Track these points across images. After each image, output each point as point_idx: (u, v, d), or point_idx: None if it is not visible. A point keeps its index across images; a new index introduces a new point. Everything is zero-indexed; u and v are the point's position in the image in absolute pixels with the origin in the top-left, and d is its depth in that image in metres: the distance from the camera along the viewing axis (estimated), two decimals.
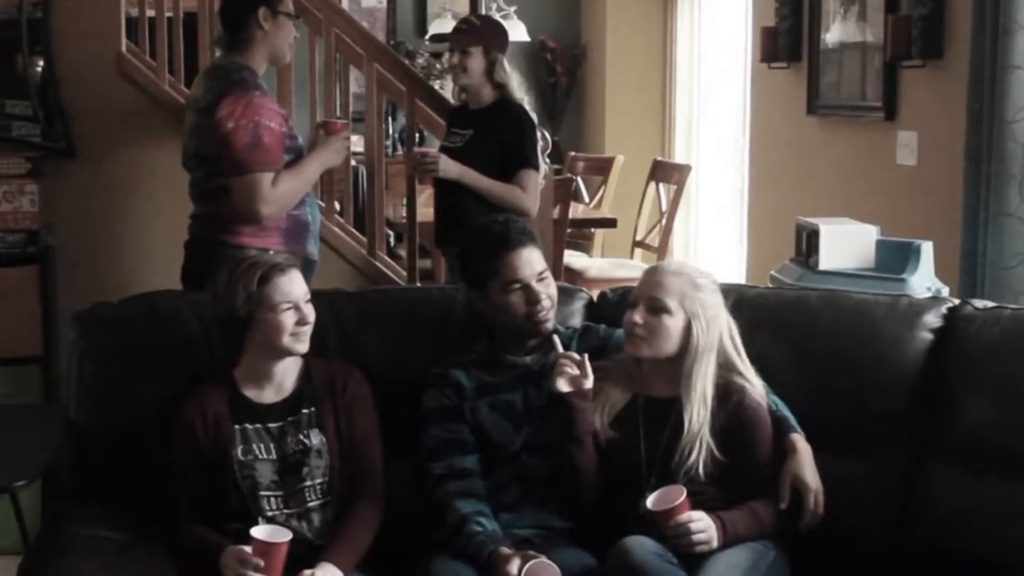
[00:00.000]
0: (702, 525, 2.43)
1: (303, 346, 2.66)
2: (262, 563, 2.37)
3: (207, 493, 2.60)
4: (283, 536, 2.41)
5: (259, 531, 2.42)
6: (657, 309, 2.56)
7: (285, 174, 3.48)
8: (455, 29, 4.20)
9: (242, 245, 3.42)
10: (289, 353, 2.65)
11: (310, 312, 2.66)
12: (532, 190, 4.02)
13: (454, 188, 4.05)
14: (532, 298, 2.73)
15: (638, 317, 2.58)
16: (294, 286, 2.65)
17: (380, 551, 2.64)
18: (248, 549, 2.40)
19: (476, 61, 4.07)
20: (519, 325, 2.75)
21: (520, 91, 4.16)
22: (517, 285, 2.73)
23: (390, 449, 2.71)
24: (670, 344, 2.57)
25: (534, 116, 4.13)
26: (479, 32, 4.10)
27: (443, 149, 4.22)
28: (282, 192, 3.47)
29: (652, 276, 2.62)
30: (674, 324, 2.56)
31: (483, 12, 6.59)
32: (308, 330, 2.66)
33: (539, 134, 4.14)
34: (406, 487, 2.71)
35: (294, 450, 2.62)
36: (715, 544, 2.44)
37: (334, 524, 2.62)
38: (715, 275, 2.70)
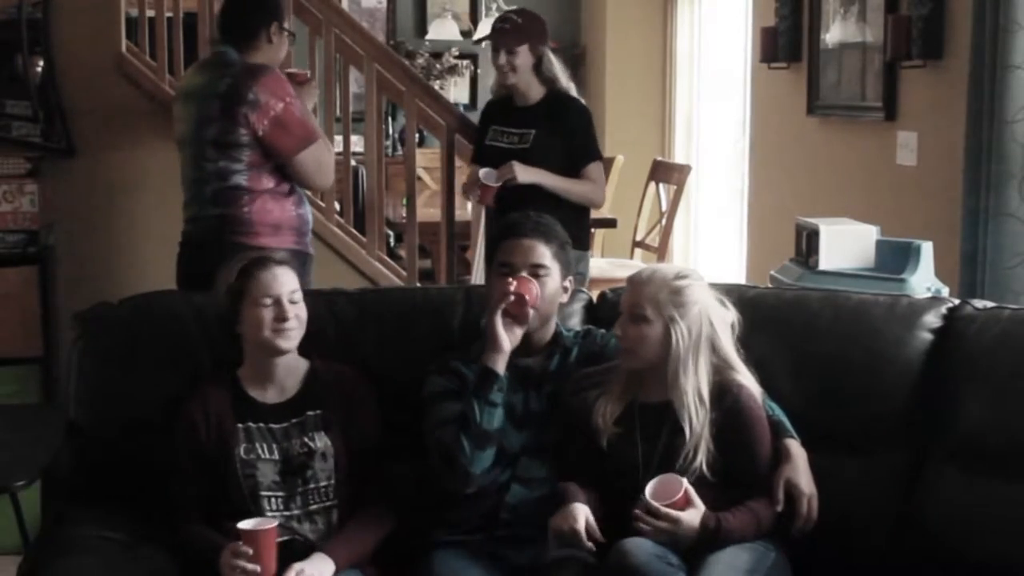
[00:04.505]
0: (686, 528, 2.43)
1: (286, 342, 2.63)
2: (251, 551, 2.39)
3: (209, 492, 2.60)
4: (269, 525, 2.43)
5: (245, 524, 2.44)
6: (635, 318, 2.56)
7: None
8: (496, 28, 4.10)
9: (262, 246, 3.42)
10: (274, 348, 2.62)
11: (293, 309, 2.63)
12: (601, 182, 4.10)
13: (516, 194, 3.91)
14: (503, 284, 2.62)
15: (619, 330, 2.59)
16: (276, 282, 2.62)
17: (381, 550, 2.64)
18: (241, 544, 2.41)
19: (523, 59, 4.03)
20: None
21: (566, 81, 4.12)
22: (505, 268, 2.69)
23: (388, 449, 2.70)
24: (651, 351, 2.56)
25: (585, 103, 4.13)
26: (522, 29, 4.04)
27: (496, 149, 4.13)
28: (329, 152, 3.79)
29: (629, 286, 2.62)
30: (652, 331, 2.55)
31: (483, 13, 6.61)
32: (291, 326, 2.62)
33: None
34: (406, 487, 2.70)
35: (298, 452, 2.61)
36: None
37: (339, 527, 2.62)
38: (699, 270, 2.69)
